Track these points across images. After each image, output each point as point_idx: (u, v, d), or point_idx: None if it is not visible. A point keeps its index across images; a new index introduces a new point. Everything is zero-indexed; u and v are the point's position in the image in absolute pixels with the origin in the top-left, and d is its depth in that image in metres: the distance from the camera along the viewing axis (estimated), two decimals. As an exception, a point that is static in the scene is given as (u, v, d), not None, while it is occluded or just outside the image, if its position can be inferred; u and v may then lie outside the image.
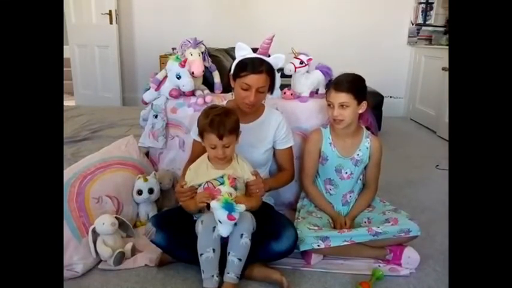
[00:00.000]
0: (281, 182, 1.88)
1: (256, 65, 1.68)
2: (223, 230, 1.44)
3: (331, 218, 1.83)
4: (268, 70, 1.71)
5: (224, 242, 1.50)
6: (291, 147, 1.89)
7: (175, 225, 1.61)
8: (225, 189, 1.50)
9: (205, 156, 1.65)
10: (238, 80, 1.70)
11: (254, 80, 1.67)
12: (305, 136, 2.01)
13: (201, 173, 1.62)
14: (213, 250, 1.46)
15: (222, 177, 1.57)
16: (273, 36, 1.76)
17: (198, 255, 1.47)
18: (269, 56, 1.77)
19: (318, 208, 1.87)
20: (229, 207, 1.41)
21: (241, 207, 1.43)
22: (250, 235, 1.49)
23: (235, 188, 1.56)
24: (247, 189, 1.63)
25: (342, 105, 1.72)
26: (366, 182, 1.92)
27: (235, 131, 1.56)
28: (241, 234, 1.47)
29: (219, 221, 1.44)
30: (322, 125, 1.92)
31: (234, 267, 1.47)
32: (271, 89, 1.77)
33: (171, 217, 1.68)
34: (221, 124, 1.52)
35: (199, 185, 1.62)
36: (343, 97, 1.72)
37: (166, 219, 1.65)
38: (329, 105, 1.77)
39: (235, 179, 1.57)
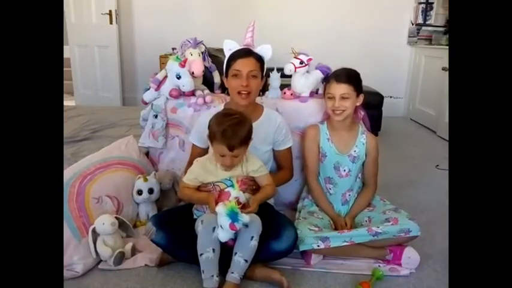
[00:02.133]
0: (281, 180, 1.89)
1: (243, 51, 1.72)
2: (222, 235, 1.44)
3: (331, 220, 1.83)
4: (257, 57, 1.73)
5: (225, 243, 1.50)
6: (290, 147, 1.90)
7: (175, 224, 1.61)
8: (234, 193, 1.50)
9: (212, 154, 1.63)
10: (229, 73, 1.71)
11: (244, 63, 1.69)
12: (305, 136, 2.01)
13: (208, 170, 1.59)
14: (213, 250, 1.46)
15: (229, 179, 1.57)
16: (254, 23, 1.76)
17: (198, 255, 1.47)
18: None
19: (319, 208, 1.87)
20: (233, 216, 1.40)
21: (246, 219, 1.42)
22: (259, 238, 1.49)
23: (243, 191, 1.56)
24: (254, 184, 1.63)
25: (343, 97, 1.76)
26: (365, 180, 1.92)
27: (246, 142, 1.53)
28: (252, 237, 1.47)
29: (221, 226, 1.43)
30: (320, 122, 1.93)
31: (239, 268, 1.47)
32: (264, 82, 1.78)
33: (171, 217, 1.68)
34: (234, 135, 1.47)
35: (205, 184, 1.61)
36: (345, 88, 1.76)
37: (167, 219, 1.65)
38: (329, 97, 1.79)
39: (243, 181, 1.57)
